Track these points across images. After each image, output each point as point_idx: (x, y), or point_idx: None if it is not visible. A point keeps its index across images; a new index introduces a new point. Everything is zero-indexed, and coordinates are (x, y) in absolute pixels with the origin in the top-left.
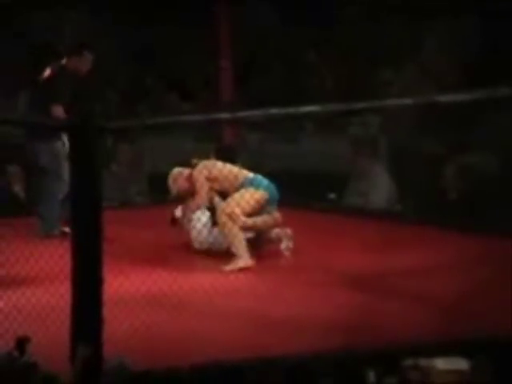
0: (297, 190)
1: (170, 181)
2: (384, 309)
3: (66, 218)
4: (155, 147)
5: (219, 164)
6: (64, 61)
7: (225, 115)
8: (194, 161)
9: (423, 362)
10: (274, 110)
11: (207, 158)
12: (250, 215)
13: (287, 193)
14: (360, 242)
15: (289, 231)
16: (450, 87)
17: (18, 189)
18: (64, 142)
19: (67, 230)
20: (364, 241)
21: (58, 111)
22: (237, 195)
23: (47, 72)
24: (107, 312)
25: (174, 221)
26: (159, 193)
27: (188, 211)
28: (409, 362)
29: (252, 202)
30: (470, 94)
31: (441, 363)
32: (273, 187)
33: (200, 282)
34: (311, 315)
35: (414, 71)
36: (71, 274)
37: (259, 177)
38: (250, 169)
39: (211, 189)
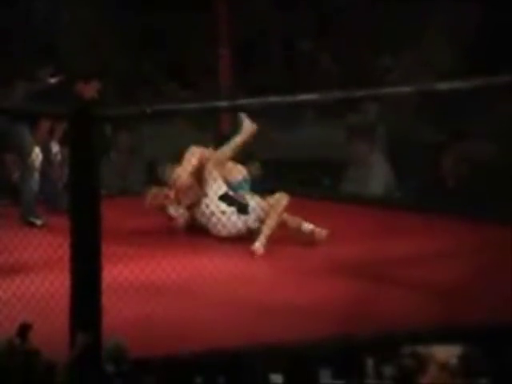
0: (295, 178)
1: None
2: (383, 296)
3: (46, 208)
4: (154, 135)
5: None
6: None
7: (223, 103)
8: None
9: (421, 349)
10: (272, 98)
11: (205, 146)
12: None
13: (285, 181)
14: (359, 230)
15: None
16: (450, 74)
17: (16, 177)
18: None
19: (38, 222)
20: (363, 228)
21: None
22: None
23: (51, 80)
24: (106, 300)
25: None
26: (158, 180)
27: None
28: (407, 349)
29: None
30: (469, 82)
31: (439, 351)
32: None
33: (199, 269)
34: (310, 303)
35: (413, 58)
36: (70, 262)
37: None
38: (248, 157)
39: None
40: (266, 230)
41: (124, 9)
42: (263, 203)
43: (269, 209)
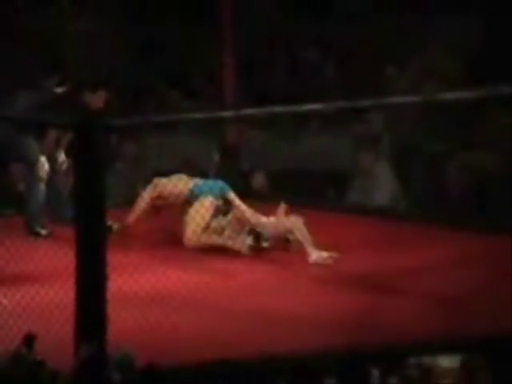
0: (299, 188)
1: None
2: (388, 307)
3: (51, 218)
4: (159, 145)
5: (164, 181)
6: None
7: (228, 113)
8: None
9: (427, 360)
10: (277, 108)
11: (210, 156)
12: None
13: (290, 191)
14: (363, 240)
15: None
16: (454, 85)
17: (21, 187)
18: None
19: (43, 232)
20: (367, 238)
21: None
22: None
23: (58, 90)
24: (111, 310)
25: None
26: None
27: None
28: (412, 360)
29: (207, 216)
30: (473, 92)
31: (444, 361)
32: (215, 186)
33: (205, 279)
34: (315, 314)
35: (418, 68)
36: (75, 272)
37: (199, 183)
38: (254, 167)
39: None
40: (311, 251)
41: (128, 19)
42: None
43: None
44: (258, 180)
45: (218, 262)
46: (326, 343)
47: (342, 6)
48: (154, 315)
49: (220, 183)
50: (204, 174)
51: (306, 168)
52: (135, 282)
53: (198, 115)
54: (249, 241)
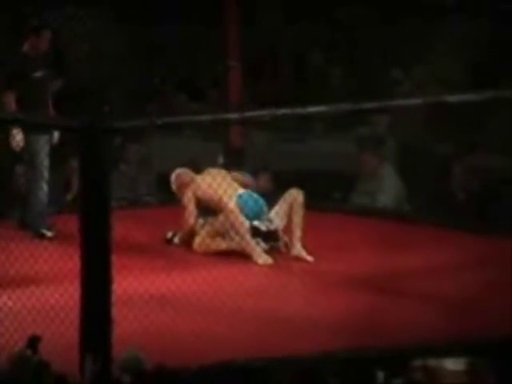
0: (305, 191)
1: (173, 177)
2: (393, 309)
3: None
4: (164, 147)
5: (207, 181)
6: (25, 45)
7: (233, 115)
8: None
9: (432, 362)
10: (282, 110)
11: (214, 158)
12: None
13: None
14: (369, 242)
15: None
16: (459, 88)
17: (23, 189)
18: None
19: (49, 233)
20: (373, 241)
21: (7, 98)
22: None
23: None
24: (116, 312)
25: (169, 241)
26: (168, 192)
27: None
28: (418, 362)
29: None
30: (479, 95)
31: (450, 364)
32: (252, 207)
33: (209, 281)
34: (320, 315)
35: (423, 71)
36: (80, 274)
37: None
38: (259, 168)
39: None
40: (296, 243)
41: (134, 21)
42: (281, 212)
43: (289, 212)
44: (263, 181)
45: (222, 264)
46: (331, 345)
47: (346, 10)
48: (158, 318)
49: (261, 203)
50: None
51: (311, 170)
52: (140, 284)
53: (203, 117)
54: (263, 245)
